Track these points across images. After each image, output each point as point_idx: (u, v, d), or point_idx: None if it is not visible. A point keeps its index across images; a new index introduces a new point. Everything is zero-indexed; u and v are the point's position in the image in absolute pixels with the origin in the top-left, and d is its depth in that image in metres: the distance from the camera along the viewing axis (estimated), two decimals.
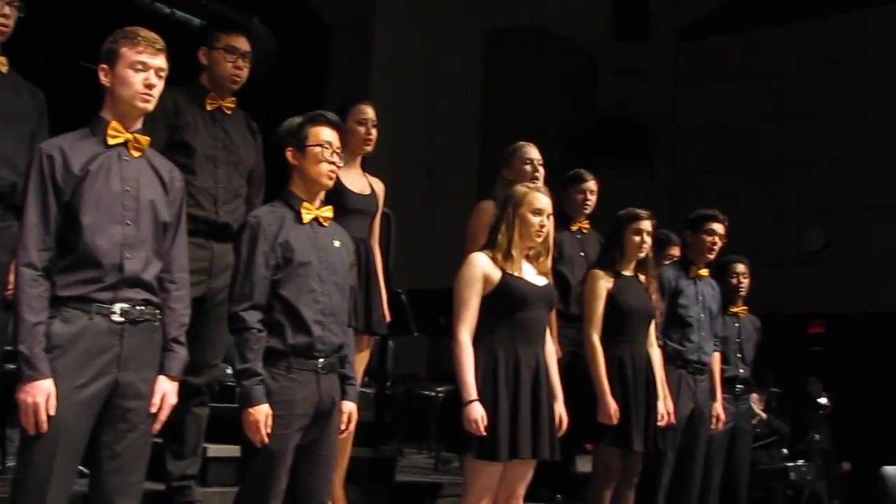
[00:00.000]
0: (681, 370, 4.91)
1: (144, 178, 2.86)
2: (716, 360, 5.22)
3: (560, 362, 4.29)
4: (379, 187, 4.30)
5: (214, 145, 3.77)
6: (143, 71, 2.81)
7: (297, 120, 3.28)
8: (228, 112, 3.85)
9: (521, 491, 3.73)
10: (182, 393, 3.04)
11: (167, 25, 7.49)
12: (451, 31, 11.26)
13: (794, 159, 12.31)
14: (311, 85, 10.15)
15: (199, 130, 3.76)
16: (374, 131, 4.18)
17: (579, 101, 13.15)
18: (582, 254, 5.08)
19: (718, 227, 5.06)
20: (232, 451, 3.58)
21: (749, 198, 12.16)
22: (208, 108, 3.80)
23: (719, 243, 5.07)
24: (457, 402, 3.54)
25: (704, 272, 5.14)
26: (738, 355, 5.58)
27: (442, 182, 10.65)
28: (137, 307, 2.76)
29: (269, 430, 2.98)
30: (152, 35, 2.86)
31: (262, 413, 2.97)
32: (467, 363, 3.52)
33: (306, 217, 3.20)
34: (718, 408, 5.12)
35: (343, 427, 3.23)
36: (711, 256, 5.10)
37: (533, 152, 4.60)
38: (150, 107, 2.86)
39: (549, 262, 3.88)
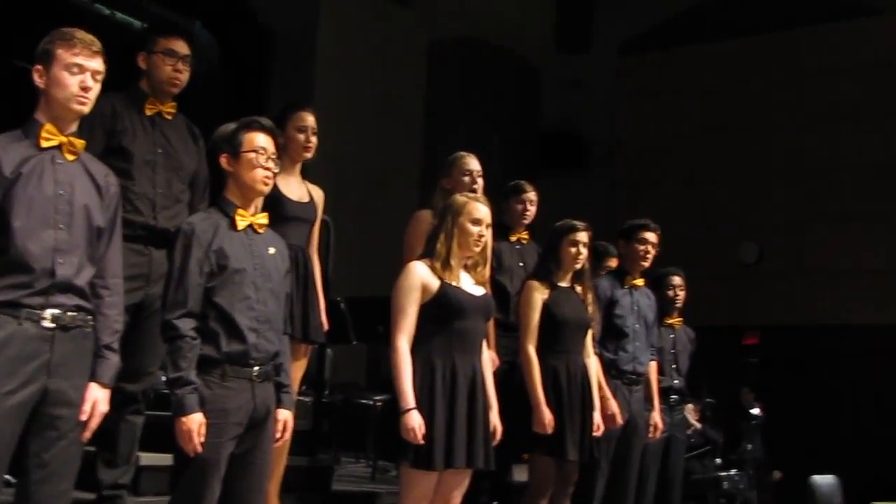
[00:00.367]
0: (616, 380, 4.93)
1: (79, 183, 2.81)
2: (653, 369, 5.27)
3: (498, 371, 4.33)
4: (318, 195, 4.27)
5: (153, 150, 3.74)
6: (79, 73, 2.77)
7: (231, 126, 3.27)
8: (169, 117, 3.82)
9: (457, 500, 3.72)
10: (117, 400, 3.01)
11: (107, 27, 7.38)
12: (395, 39, 11.28)
13: (731, 173, 12.52)
14: (254, 91, 10.09)
15: (137, 135, 3.71)
16: (313, 139, 4.15)
17: (522, 113, 13.23)
18: (521, 264, 5.06)
19: (651, 236, 5.12)
20: (165, 459, 3.51)
21: (687, 210, 12.35)
22: (147, 112, 3.77)
23: (652, 252, 5.13)
24: (394, 410, 3.52)
25: (640, 282, 5.19)
26: (673, 366, 5.66)
27: (384, 190, 10.71)
28: (69, 313, 2.71)
29: (202, 439, 2.94)
30: (89, 37, 2.82)
31: (195, 422, 2.93)
32: (405, 372, 3.51)
33: (241, 224, 3.16)
34: (657, 417, 5.17)
35: (278, 435, 3.21)
36: (646, 265, 5.16)
37: (473, 163, 4.58)
38: (86, 110, 2.82)
39: (487, 272, 3.92)
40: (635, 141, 13.24)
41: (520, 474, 5.10)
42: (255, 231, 3.21)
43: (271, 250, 3.24)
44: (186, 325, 2.98)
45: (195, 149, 3.89)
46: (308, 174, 4.32)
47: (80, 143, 2.84)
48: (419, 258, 3.74)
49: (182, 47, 3.81)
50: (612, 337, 5.00)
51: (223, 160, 3.19)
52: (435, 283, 3.64)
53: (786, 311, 11.91)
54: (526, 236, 5.20)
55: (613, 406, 4.72)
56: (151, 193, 3.68)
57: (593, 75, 13.53)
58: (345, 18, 10.69)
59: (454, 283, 3.67)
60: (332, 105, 9.56)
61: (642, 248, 5.08)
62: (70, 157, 2.81)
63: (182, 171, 3.81)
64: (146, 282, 3.65)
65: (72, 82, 2.76)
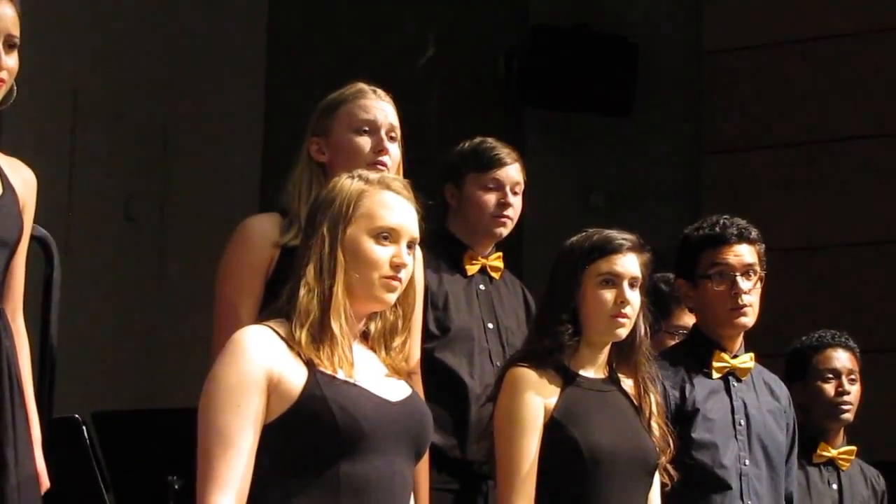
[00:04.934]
0: None
1: None
2: None
3: None
4: (23, 180, 3.67)
5: None
6: None
7: None
8: None
9: None
10: None
11: None
12: None
13: None
14: None
15: None
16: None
17: None
18: (490, 325, 4.17)
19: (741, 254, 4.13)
20: None
21: None
22: None
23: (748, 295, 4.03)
24: None
25: (747, 361, 4.21)
26: None
27: (186, 173, 8.94)
28: None
29: None
30: None
31: None
32: None
33: None
34: None
35: None
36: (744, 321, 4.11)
37: (375, 105, 3.56)
38: None
39: (414, 348, 3.30)
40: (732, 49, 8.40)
41: None
42: None
43: None
44: None
45: None
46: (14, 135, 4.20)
47: None
48: (259, 320, 3.00)
49: None
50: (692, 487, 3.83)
51: None
52: (296, 376, 2.87)
53: None
54: (498, 262, 4.30)
55: None
56: None
57: None
58: None
59: (341, 375, 2.87)
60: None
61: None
62: None
63: None
64: None
65: None
